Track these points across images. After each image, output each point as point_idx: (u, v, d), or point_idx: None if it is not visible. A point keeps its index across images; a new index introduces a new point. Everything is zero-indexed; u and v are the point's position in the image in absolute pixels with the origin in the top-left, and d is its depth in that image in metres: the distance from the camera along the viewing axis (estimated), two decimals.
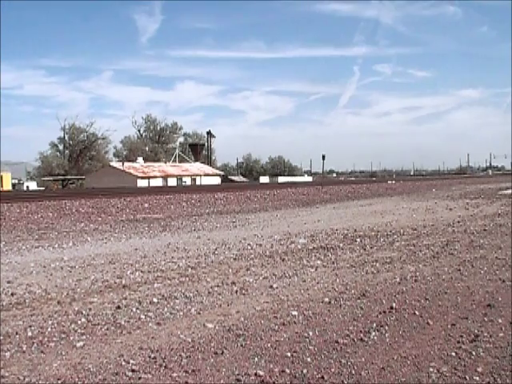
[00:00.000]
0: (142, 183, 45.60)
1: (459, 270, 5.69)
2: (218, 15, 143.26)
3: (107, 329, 3.71)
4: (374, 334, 3.57)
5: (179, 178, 52.94)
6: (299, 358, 3.15)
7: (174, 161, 64.54)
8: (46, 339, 3.49)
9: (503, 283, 5.04)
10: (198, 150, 70.54)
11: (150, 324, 3.83)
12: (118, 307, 4.24)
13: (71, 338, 3.52)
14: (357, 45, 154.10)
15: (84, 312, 4.11)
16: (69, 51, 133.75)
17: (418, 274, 5.49)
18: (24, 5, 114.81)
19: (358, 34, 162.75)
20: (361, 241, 7.91)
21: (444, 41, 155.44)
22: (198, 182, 53.25)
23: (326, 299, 4.47)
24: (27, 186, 50.10)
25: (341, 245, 7.51)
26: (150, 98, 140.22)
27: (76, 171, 62.61)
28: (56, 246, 7.65)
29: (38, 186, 52.29)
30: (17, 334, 3.60)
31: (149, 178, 49.01)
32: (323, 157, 31.23)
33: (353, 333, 3.59)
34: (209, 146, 73.83)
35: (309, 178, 67.22)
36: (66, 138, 67.51)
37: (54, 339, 3.49)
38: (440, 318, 3.93)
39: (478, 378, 2.86)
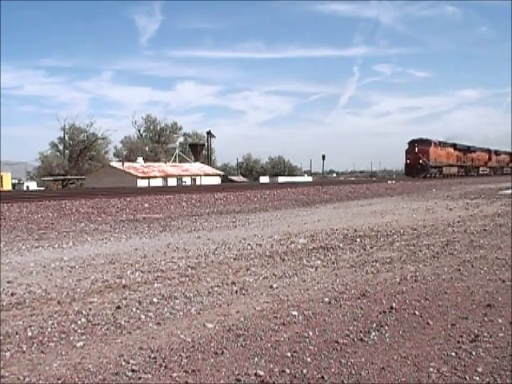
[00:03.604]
0: (141, 183, 45.59)
1: (459, 270, 5.69)
2: (217, 15, 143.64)
3: (107, 329, 3.71)
4: (373, 334, 3.57)
5: (179, 178, 52.94)
6: (299, 357, 3.15)
7: (174, 161, 64.55)
8: (46, 339, 3.49)
9: (503, 283, 5.04)
10: (198, 149, 70.53)
11: (150, 324, 3.83)
12: (118, 307, 4.24)
13: (71, 338, 3.52)
14: (356, 45, 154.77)
15: (84, 312, 4.11)
16: (69, 51, 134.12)
17: (418, 273, 5.49)
18: (24, 5, 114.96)
19: (357, 35, 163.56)
20: (361, 241, 7.91)
21: (443, 41, 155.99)
22: (197, 182, 53.25)
23: (326, 299, 4.47)
24: (27, 186, 50.09)
25: (341, 245, 7.51)
26: (150, 98, 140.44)
27: (76, 171, 62.63)
28: (56, 246, 7.64)
29: (37, 186, 52.29)
30: (17, 334, 3.60)
31: (149, 178, 49.01)
32: (323, 157, 31.01)
33: (353, 333, 3.59)
34: (209, 146, 73.83)
35: (309, 178, 67.17)
36: (66, 138, 67.56)
37: (54, 339, 3.49)
38: (440, 318, 3.94)
39: (477, 378, 2.87)
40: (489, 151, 64.51)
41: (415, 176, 45.06)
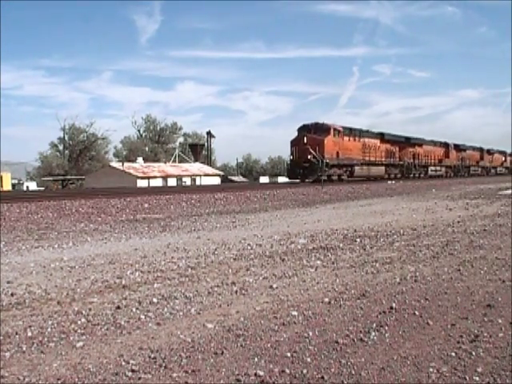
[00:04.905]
0: (141, 183, 45.59)
1: (459, 270, 5.69)
2: (217, 15, 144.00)
3: (107, 329, 3.71)
4: (373, 334, 3.57)
5: (179, 178, 52.93)
6: (299, 358, 3.15)
7: (174, 161, 64.56)
8: (45, 339, 3.49)
9: (503, 283, 5.04)
10: (197, 150, 70.50)
11: (150, 324, 3.83)
12: (118, 307, 4.24)
13: (71, 338, 3.52)
14: (356, 45, 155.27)
15: (84, 312, 4.11)
16: (69, 51, 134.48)
17: (417, 274, 5.49)
18: (24, 5, 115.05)
19: (357, 35, 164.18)
20: (361, 241, 7.91)
21: (443, 41, 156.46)
22: (197, 182, 53.24)
23: (326, 299, 4.48)
24: (27, 186, 50.13)
25: (341, 245, 7.51)
26: (150, 98, 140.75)
27: (76, 171, 62.67)
28: (56, 246, 7.64)
29: (37, 186, 52.32)
30: (17, 334, 3.60)
31: (149, 178, 48.99)
32: (323, 157, 30.57)
33: (353, 333, 3.59)
34: (209, 146, 73.79)
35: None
36: (66, 138, 67.60)
37: (54, 339, 3.49)
38: (440, 318, 3.94)
39: (477, 378, 2.87)
40: (446, 145, 49.61)
41: (303, 180, 30.15)
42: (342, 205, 16.21)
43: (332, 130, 31.82)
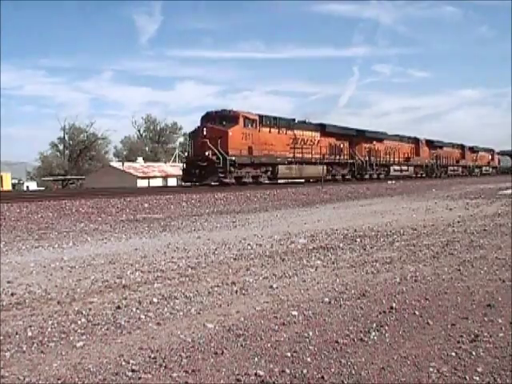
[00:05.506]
0: (141, 183, 45.58)
1: (459, 270, 5.69)
2: (217, 15, 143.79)
3: (107, 329, 3.71)
4: (373, 334, 3.57)
5: (179, 178, 52.94)
6: (299, 357, 3.15)
7: (174, 161, 64.56)
8: (45, 339, 3.49)
9: (503, 283, 5.04)
10: None
11: (150, 324, 3.83)
12: (118, 307, 4.25)
13: (71, 338, 3.52)
14: (356, 45, 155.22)
15: (84, 312, 4.11)
16: (69, 51, 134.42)
17: (417, 274, 5.49)
18: (24, 5, 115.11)
19: (357, 35, 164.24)
20: (361, 241, 7.91)
21: (443, 41, 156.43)
22: None
23: (326, 299, 4.48)
24: (27, 186, 50.17)
25: (341, 245, 7.51)
26: (150, 98, 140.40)
27: (76, 171, 62.69)
28: (56, 245, 7.64)
29: (37, 186, 52.36)
30: (17, 334, 3.60)
31: (149, 178, 49.00)
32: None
33: (353, 333, 3.59)
34: None
35: None
36: (66, 138, 67.63)
37: (54, 339, 3.49)
38: (440, 318, 3.94)
39: (477, 378, 2.87)
40: (415, 141, 41.96)
41: (199, 183, 22.77)
42: (342, 205, 16.22)
43: (241, 119, 23.73)
